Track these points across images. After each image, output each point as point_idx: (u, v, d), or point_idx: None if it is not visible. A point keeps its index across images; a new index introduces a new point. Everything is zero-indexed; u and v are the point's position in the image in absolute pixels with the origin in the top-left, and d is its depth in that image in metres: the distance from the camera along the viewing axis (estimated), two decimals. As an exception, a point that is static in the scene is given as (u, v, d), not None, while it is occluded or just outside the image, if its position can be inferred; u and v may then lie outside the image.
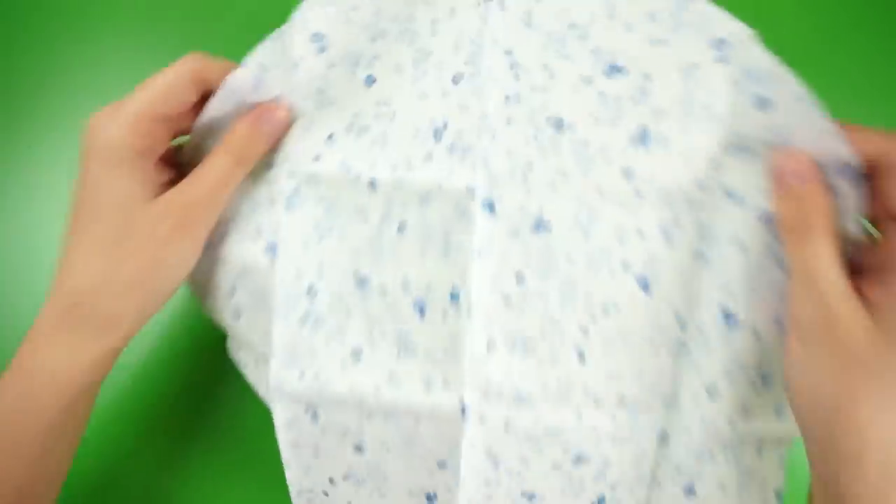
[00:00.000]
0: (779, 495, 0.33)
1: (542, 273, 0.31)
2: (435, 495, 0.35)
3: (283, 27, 0.31)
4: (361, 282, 0.33)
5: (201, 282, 0.36)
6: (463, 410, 0.33)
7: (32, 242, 0.45)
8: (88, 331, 0.30)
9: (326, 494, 0.37)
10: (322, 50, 0.31)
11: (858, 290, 0.27)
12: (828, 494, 0.28)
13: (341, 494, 0.37)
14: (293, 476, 0.37)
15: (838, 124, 0.27)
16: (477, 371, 0.32)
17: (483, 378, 0.32)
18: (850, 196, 0.27)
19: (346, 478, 0.36)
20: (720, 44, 0.28)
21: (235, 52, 0.34)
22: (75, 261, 0.30)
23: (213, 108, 0.32)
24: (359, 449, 0.35)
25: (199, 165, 0.31)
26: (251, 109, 0.32)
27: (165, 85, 0.30)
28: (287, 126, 0.32)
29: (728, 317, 0.31)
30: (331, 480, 0.36)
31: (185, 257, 0.31)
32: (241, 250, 0.34)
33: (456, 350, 0.33)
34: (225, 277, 0.35)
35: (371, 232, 0.32)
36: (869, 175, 0.27)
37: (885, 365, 0.25)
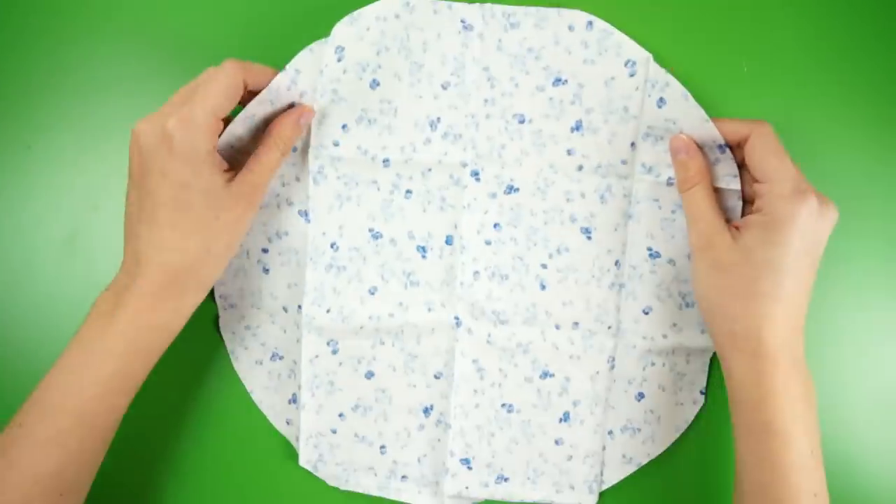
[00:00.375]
0: (702, 393, 0.44)
1: (512, 222, 0.43)
2: (431, 407, 0.44)
3: (316, 43, 0.41)
4: (375, 236, 0.43)
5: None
6: (456, 321, 0.43)
7: (33, 242, 0.45)
8: (189, 294, 0.38)
9: (334, 432, 0.44)
10: (340, 59, 0.41)
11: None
12: (724, 371, 0.39)
13: (349, 427, 0.44)
14: (306, 419, 0.44)
15: (714, 119, 0.40)
16: (466, 294, 0.43)
17: (471, 299, 0.43)
18: (725, 161, 0.40)
19: (355, 408, 0.44)
20: (630, 63, 0.41)
21: (234, 51, 0.41)
22: (175, 241, 0.36)
23: (257, 103, 0.42)
24: (369, 375, 0.44)
25: (255, 155, 0.39)
26: (289, 109, 0.41)
27: (226, 89, 0.36)
28: (308, 122, 0.41)
29: (651, 254, 0.43)
30: (340, 415, 0.44)
31: (249, 226, 0.40)
32: (278, 215, 0.43)
33: (450, 279, 0.43)
34: (259, 239, 0.44)
35: (383, 197, 0.43)
36: (736, 146, 0.40)
37: (741, 270, 0.37)
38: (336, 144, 0.42)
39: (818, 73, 0.43)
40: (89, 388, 0.36)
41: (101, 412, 0.37)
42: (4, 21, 0.44)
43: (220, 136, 0.38)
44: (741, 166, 0.40)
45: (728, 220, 0.39)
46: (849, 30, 0.43)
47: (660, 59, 0.41)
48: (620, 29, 0.41)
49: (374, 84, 0.41)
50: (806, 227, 0.36)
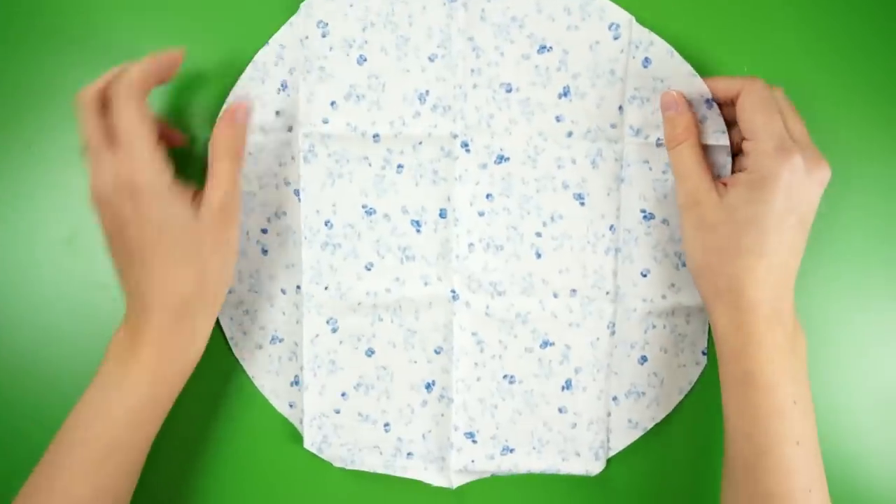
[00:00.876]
0: (704, 353, 0.44)
1: (504, 192, 0.43)
2: (433, 382, 0.44)
3: (294, 17, 0.41)
4: (369, 212, 0.43)
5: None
6: (453, 294, 0.43)
7: (33, 242, 0.45)
8: (200, 318, 0.39)
9: (338, 412, 0.44)
10: (324, 35, 0.41)
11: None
12: (711, 324, 0.39)
13: (352, 406, 0.44)
14: (309, 400, 0.44)
15: (706, 77, 0.40)
16: (462, 267, 0.43)
17: (467, 272, 0.43)
18: (712, 117, 0.40)
19: (357, 387, 0.44)
20: (614, 26, 0.41)
21: (233, 50, 0.42)
22: (172, 275, 0.37)
23: (247, 80, 0.42)
24: (370, 352, 0.43)
25: (209, 175, 0.39)
26: (226, 111, 0.41)
27: (143, 110, 0.36)
28: (248, 114, 0.41)
29: (645, 216, 0.42)
30: (343, 395, 0.44)
31: (237, 237, 0.40)
32: (277, 195, 0.44)
33: (445, 252, 0.43)
34: (258, 220, 0.44)
35: (375, 173, 0.43)
36: (730, 103, 0.39)
37: (725, 228, 0.37)
38: (325, 122, 0.42)
39: (818, 73, 0.43)
40: (119, 420, 0.37)
41: (132, 441, 0.38)
42: (4, 21, 0.45)
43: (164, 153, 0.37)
44: (732, 124, 0.40)
45: (717, 177, 0.39)
46: (849, 30, 0.43)
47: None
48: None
49: (362, 60, 0.42)
50: (790, 185, 0.36)
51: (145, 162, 0.35)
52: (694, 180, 0.38)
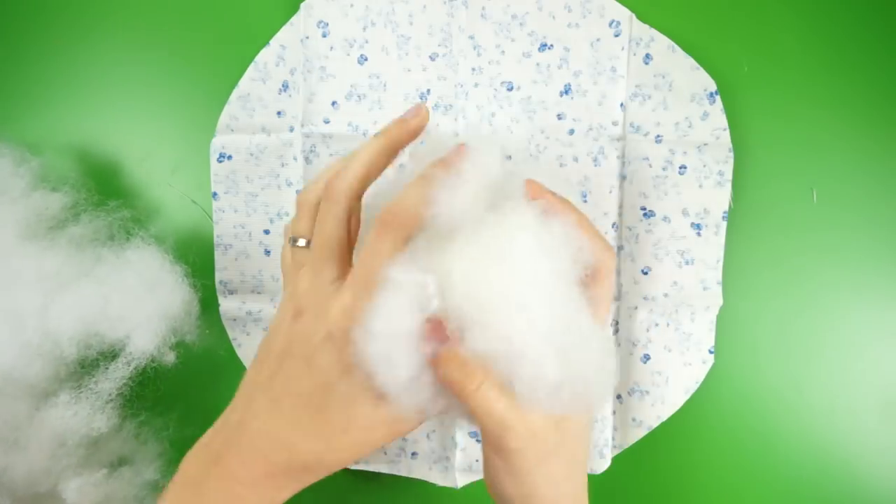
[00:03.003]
0: (711, 352, 0.44)
1: None
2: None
3: (294, 17, 0.42)
4: (370, 210, 0.43)
5: (228, 233, 0.44)
6: None
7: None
8: (286, 489, 0.31)
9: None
10: (325, 35, 0.41)
11: None
12: None
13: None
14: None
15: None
16: None
17: None
18: (715, 114, 0.40)
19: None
20: (614, 23, 0.41)
21: (233, 49, 0.43)
22: (285, 437, 0.30)
23: (247, 82, 0.42)
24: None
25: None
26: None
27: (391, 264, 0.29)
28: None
29: (645, 213, 0.42)
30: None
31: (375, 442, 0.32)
32: (279, 195, 0.44)
33: None
34: (261, 220, 0.44)
35: (376, 172, 0.42)
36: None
37: (561, 449, 0.30)
38: (327, 122, 0.42)
39: (818, 73, 0.43)
40: None
41: None
42: (5, 21, 0.45)
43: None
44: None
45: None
46: (849, 30, 0.43)
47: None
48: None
49: (363, 59, 0.42)
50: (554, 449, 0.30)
51: (364, 335, 0.28)
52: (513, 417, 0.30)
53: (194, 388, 0.45)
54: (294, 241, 0.33)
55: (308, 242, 0.32)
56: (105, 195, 0.44)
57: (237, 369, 0.45)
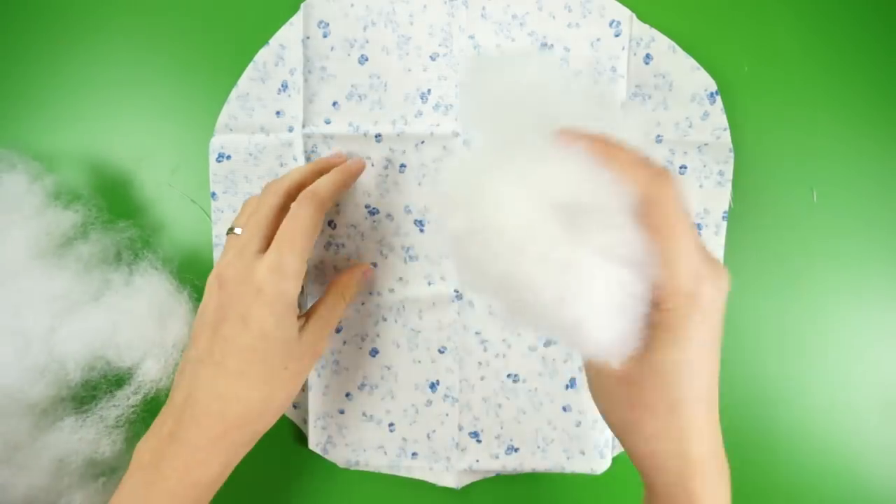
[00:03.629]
0: None
1: None
2: (437, 382, 0.44)
3: (294, 17, 0.42)
4: (372, 212, 0.43)
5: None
6: (457, 294, 0.43)
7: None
8: (240, 448, 0.36)
9: (342, 412, 0.44)
10: (325, 35, 0.41)
11: None
12: (645, 486, 0.34)
13: (357, 405, 0.44)
14: (314, 401, 0.44)
15: (615, 147, 0.29)
16: None
17: None
18: (715, 114, 0.40)
19: (361, 387, 0.44)
20: (615, 23, 0.41)
21: (233, 50, 0.42)
22: (234, 391, 0.34)
23: (246, 81, 0.42)
24: (374, 352, 0.43)
25: (322, 304, 0.38)
26: (359, 269, 0.41)
27: (311, 229, 0.35)
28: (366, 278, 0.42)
29: None
30: (347, 395, 0.44)
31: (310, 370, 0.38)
32: None
33: (449, 253, 0.43)
34: None
35: (378, 173, 0.43)
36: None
37: (651, 381, 0.30)
38: (328, 122, 0.42)
39: (818, 73, 0.43)
40: None
41: None
42: (5, 20, 0.45)
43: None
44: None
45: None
46: (849, 30, 0.43)
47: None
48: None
49: (363, 60, 0.42)
50: (707, 319, 0.30)
51: (287, 276, 0.34)
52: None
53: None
54: (231, 230, 0.37)
55: (241, 231, 0.37)
56: (112, 206, 0.44)
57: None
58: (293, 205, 0.36)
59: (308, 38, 0.41)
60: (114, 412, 0.40)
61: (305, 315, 0.38)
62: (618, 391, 0.32)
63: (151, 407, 0.41)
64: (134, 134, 0.45)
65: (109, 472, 0.41)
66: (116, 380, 0.41)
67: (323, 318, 0.38)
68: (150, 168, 0.45)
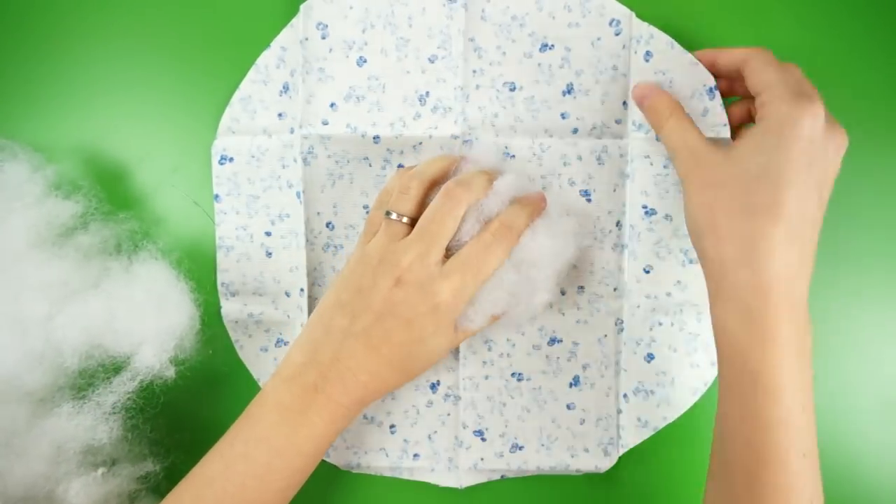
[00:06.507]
0: None
1: None
2: (438, 382, 0.44)
3: (294, 19, 0.42)
4: (369, 212, 0.42)
5: (230, 234, 0.44)
6: None
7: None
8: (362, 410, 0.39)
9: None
10: (324, 37, 0.41)
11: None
12: (710, 309, 0.36)
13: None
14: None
15: (712, 50, 0.39)
16: None
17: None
18: (714, 110, 0.40)
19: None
20: (614, 22, 0.41)
21: (234, 51, 0.43)
22: (381, 372, 0.38)
23: (249, 83, 0.42)
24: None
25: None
26: None
27: (497, 267, 0.38)
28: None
29: (647, 211, 0.42)
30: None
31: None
32: (280, 197, 0.43)
33: None
34: (262, 222, 0.44)
35: (375, 173, 0.43)
36: (736, 76, 0.38)
37: (735, 183, 0.32)
38: (325, 123, 0.42)
39: (818, 73, 0.43)
40: (270, 477, 0.36)
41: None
42: (5, 20, 0.45)
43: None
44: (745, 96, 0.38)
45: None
46: (849, 29, 0.43)
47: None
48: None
49: (361, 61, 0.42)
50: (811, 136, 0.31)
51: (466, 300, 0.38)
52: (690, 147, 0.36)
53: (197, 402, 0.45)
54: (391, 213, 0.39)
55: (410, 220, 0.39)
56: (113, 202, 0.44)
57: (238, 382, 0.45)
58: (487, 234, 0.38)
59: (307, 39, 0.41)
60: (111, 398, 0.40)
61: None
62: (701, 194, 0.34)
63: (147, 394, 0.41)
64: (137, 136, 0.45)
65: (111, 462, 0.40)
66: (114, 367, 0.40)
67: (469, 328, 0.39)
68: (151, 167, 0.45)
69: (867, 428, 0.45)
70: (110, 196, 0.44)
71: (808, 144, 0.31)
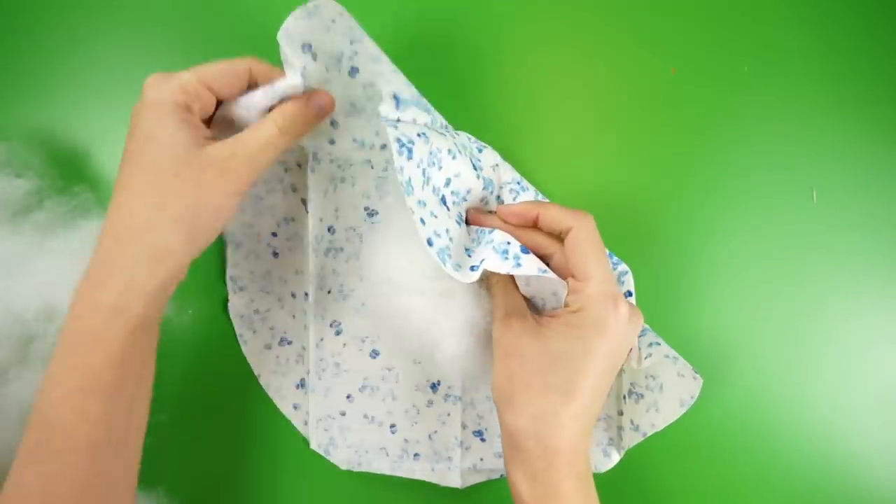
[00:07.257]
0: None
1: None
2: (438, 382, 0.44)
3: (280, 50, 0.37)
4: (370, 213, 0.43)
5: (239, 231, 0.44)
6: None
7: None
8: (141, 264, 0.32)
9: (343, 414, 0.44)
10: (314, 58, 0.37)
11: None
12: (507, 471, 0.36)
13: (357, 408, 0.44)
14: (315, 403, 0.44)
15: (537, 203, 0.37)
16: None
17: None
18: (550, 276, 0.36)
19: (362, 389, 0.44)
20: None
21: (233, 50, 0.40)
22: (127, 201, 0.32)
23: (235, 105, 0.40)
24: (374, 354, 0.43)
25: (247, 128, 0.35)
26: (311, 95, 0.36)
27: (219, 66, 0.35)
28: (329, 112, 0.37)
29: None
30: (348, 397, 0.44)
31: (224, 204, 0.34)
32: (284, 200, 0.43)
33: None
34: (268, 223, 0.44)
35: (378, 174, 0.42)
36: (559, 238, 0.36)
37: (536, 360, 0.34)
38: (332, 143, 0.41)
39: (818, 74, 0.44)
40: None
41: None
42: (5, 20, 0.45)
43: (214, 110, 0.36)
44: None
45: (538, 311, 0.39)
46: (849, 30, 0.43)
47: (661, 60, 0.41)
48: (621, 29, 0.41)
49: (354, 72, 0.39)
50: (615, 334, 0.33)
51: (174, 81, 0.33)
52: (513, 300, 0.37)
53: (198, 382, 0.45)
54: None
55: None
56: (66, 178, 0.43)
57: (238, 366, 0.45)
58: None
59: (304, 67, 0.37)
60: None
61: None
62: (506, 363, 0.35)
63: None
64: (100, 114, 0.44)
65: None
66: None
67: (242, 138, 0.34)
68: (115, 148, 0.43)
69: (867, 428, 0.45)
70: (63, 173, 0.43)
71: (612, 343, 0.34)
